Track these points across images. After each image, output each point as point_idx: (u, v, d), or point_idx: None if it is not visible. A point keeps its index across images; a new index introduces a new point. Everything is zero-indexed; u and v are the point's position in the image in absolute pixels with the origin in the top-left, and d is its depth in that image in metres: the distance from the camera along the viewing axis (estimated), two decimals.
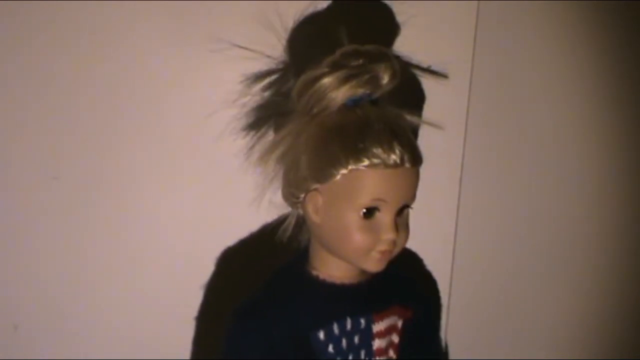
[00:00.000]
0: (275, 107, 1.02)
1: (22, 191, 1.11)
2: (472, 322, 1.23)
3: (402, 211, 0.88)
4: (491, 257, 1.23)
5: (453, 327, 1.22)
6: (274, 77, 1.07)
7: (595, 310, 1.25)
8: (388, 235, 0.86)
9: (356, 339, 0.92)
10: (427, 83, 1.13)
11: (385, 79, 0.87)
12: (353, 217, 0.86)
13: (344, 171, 0.85)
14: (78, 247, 1.13)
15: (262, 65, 1.07)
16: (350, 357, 0.91)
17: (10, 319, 1.14)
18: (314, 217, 0.89)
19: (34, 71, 1.07)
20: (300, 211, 0.92)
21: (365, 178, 0.85)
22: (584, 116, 1.20)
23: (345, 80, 0.86)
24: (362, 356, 0.92)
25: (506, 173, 1.21)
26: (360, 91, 0.87)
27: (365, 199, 0.85)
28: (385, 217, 0.86)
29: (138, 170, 1.12)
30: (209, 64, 1.08)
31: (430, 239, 1.15)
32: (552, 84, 1.19)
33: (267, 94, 1.07)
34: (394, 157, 0.84)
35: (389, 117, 0.87)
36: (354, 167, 0.85)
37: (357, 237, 0.86)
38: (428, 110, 1.11)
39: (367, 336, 0.92)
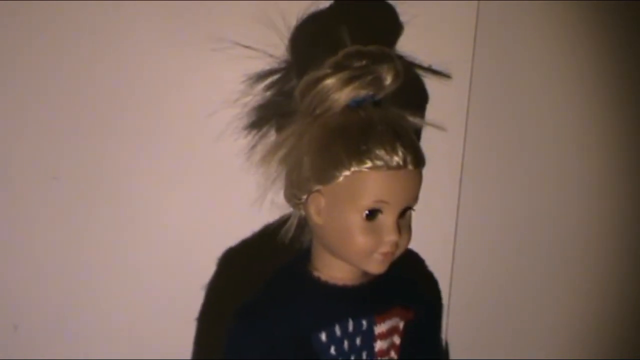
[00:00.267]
0: (277, 107, 1.02)
1: (22, 191, 1.11)
2: (472, 322, 1.23)
3: (404, 213, 0.88)
4: (491, 257, 1.23)
5: (453, 327, 1.22)
6: (276, 76, 1.06)
7: (595, 310, 1.25)
8: (390, 237, 0.86)
9: (358, 341, 0.92)
10: (428, 83, 1.13)
11: (388, 80, 0.87)
12: (355, 219, 0.86)
13: (346, 173, 0.85)
14: (78, 247, 1.13)
15: (264, 64, 1.07)
16: (352, 359, 0.91)
17: (10, 319, 1.14)
18: (316, 219, 0.89)
19: (34, 71, 1.07)
20: (303, 212, 0.92)
21: (368, 180, 0.84)
22: (584, 116, 1.20)
23: (348, 81, 0.85)
24: (364, 357, 0.92)
25: (506, 173, 1.21)
26: (363, 92, 0.86)
27: (367, 201, 0.85)
28: (387, 218, 0.86)
29: (138, 170, 1.12)
30: (210, 64, 1.07)
31: (430, 239, 1.15)
32: (552, 84, 1.19)
33: (269, 93, 1.07)
34: (397, 159, 0.84)
35: (391, 118, 0.87)
36: (356, 168, 0.84)
37: (360, 238, 0.86)
38: (428, 110, 1.11)
39: (369, 338, 0.92)
